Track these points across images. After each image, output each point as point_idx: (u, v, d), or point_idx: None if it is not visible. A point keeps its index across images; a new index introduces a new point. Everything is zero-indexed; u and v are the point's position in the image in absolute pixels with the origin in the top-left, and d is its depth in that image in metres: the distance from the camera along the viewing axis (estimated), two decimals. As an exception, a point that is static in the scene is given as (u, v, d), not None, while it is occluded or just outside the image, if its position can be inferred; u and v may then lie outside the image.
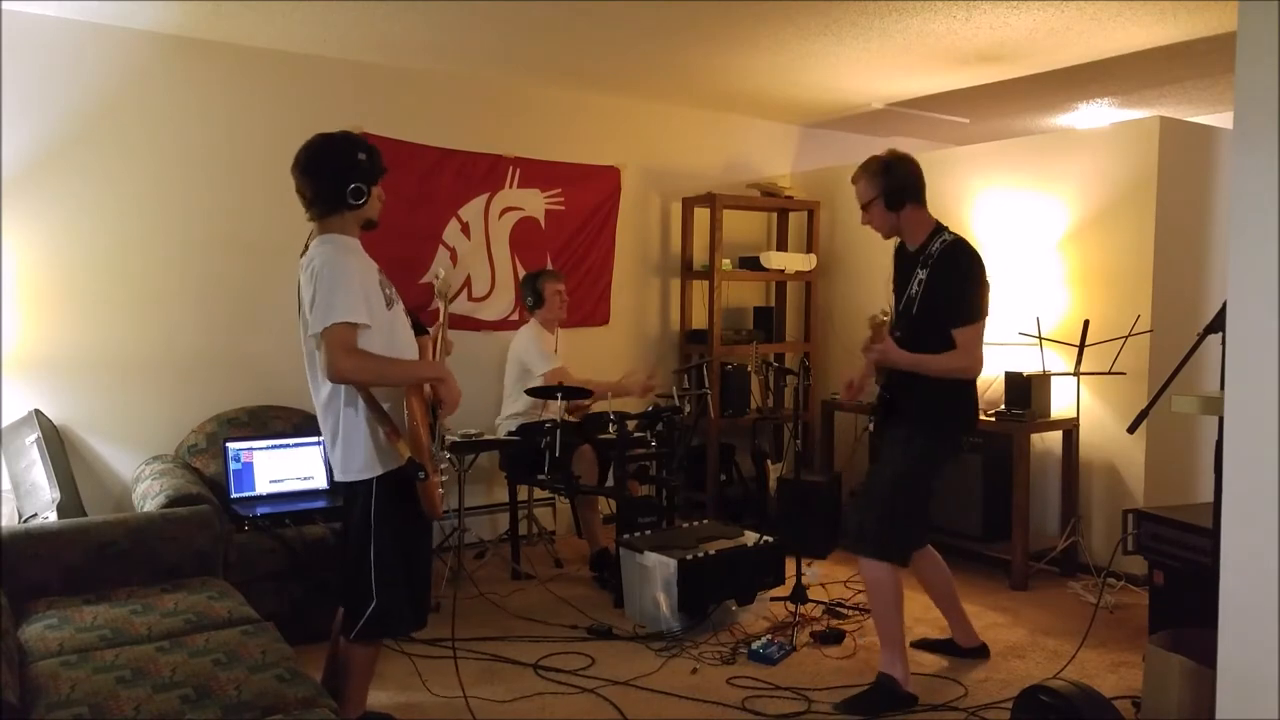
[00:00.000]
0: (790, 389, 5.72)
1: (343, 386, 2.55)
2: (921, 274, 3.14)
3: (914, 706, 3.11)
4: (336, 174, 2.57)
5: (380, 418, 2.55)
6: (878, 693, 3.13)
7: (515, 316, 5.15)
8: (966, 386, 3.18)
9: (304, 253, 2.64)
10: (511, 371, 4.69)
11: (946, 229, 3.21)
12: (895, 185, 3.14)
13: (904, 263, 3.26)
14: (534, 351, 4.61)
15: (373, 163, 2.62)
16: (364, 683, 2.79)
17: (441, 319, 2.88)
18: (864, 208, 3.23)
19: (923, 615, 3.95)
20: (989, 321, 3.21)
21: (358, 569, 2.60)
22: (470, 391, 4.85)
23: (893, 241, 3.34)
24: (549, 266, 5.23)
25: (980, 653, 3.55)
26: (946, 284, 3.10)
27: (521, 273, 5.13)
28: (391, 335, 2.61)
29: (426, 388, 2.65)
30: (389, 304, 2.64)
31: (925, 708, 3.12)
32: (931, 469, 3.20)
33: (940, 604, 3.58)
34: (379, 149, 2.68)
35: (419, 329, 2.83)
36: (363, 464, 2.59)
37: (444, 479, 2.66)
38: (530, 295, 4.73)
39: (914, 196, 3.17)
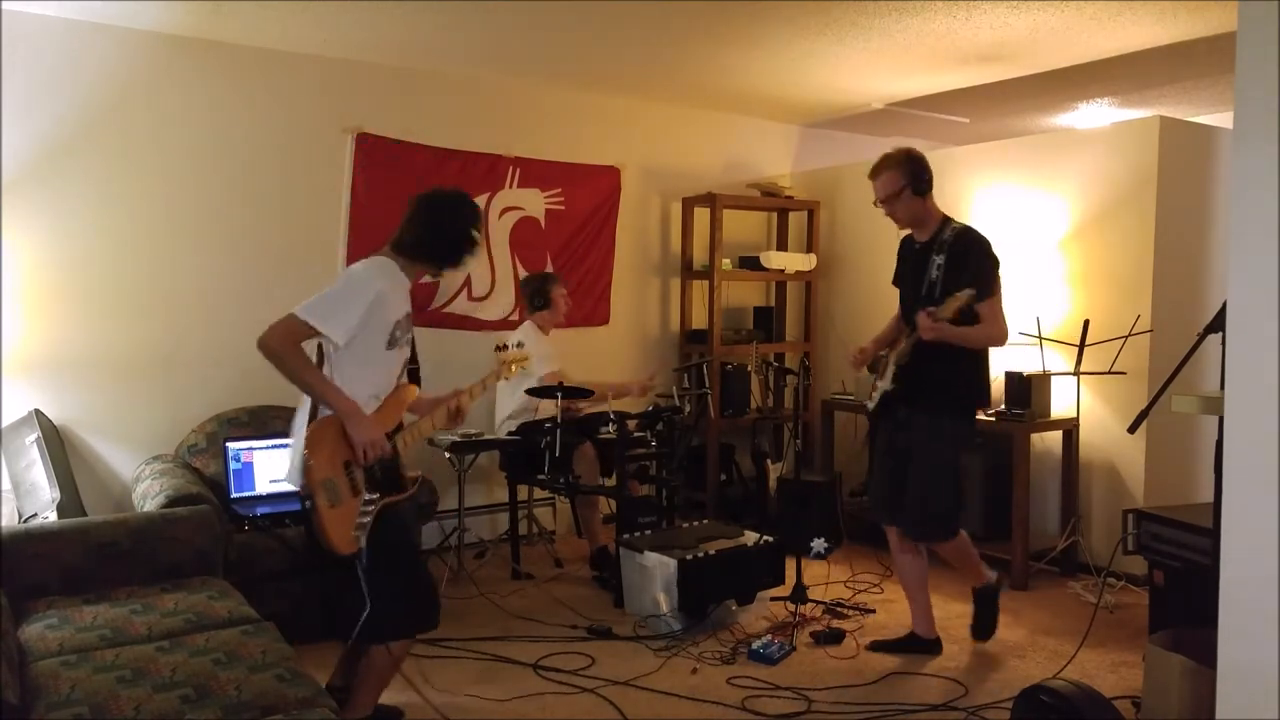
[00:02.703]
0: (790, 389, 5.72)
1: (315, 404, 2.58)
2: (939, 259, 3.32)
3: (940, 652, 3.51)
4: (450, 232, 2.70)
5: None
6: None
7: (515, 316, 5.15)
8: (980, 362, 3.40)
9: None
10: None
11: (953, 219, 3.41)
12: (919, 171, 3.33)
13: (913, 255, 3.43)
14: (540, 348, 4.61)
15: (476, 241, 2.74)
16: (378, 689, 2.78)
17: (484, 382, 2.97)
18: (888, 199, 3.37)
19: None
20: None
21: (350, 575, 2.60)
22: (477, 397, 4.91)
23: (895, 238, 3.39)
24: (549, 267, 5.24)
25: (934, 648, 3.59)
26: (965, 265, 3.26)
27: (522, 273, 5.13)
28: (372, 370, 2.63)
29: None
30: (391, 344, 2.66)
31: (925, 708, 3.12)
32: (963, 446, 3.50)
33: (909, 590, 3.64)
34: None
35: (413, 378, 2.88)
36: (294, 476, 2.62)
37: (363, 521, 2.55)
38: (538, 297, 4.70)
39: (931, 186, 3.37)
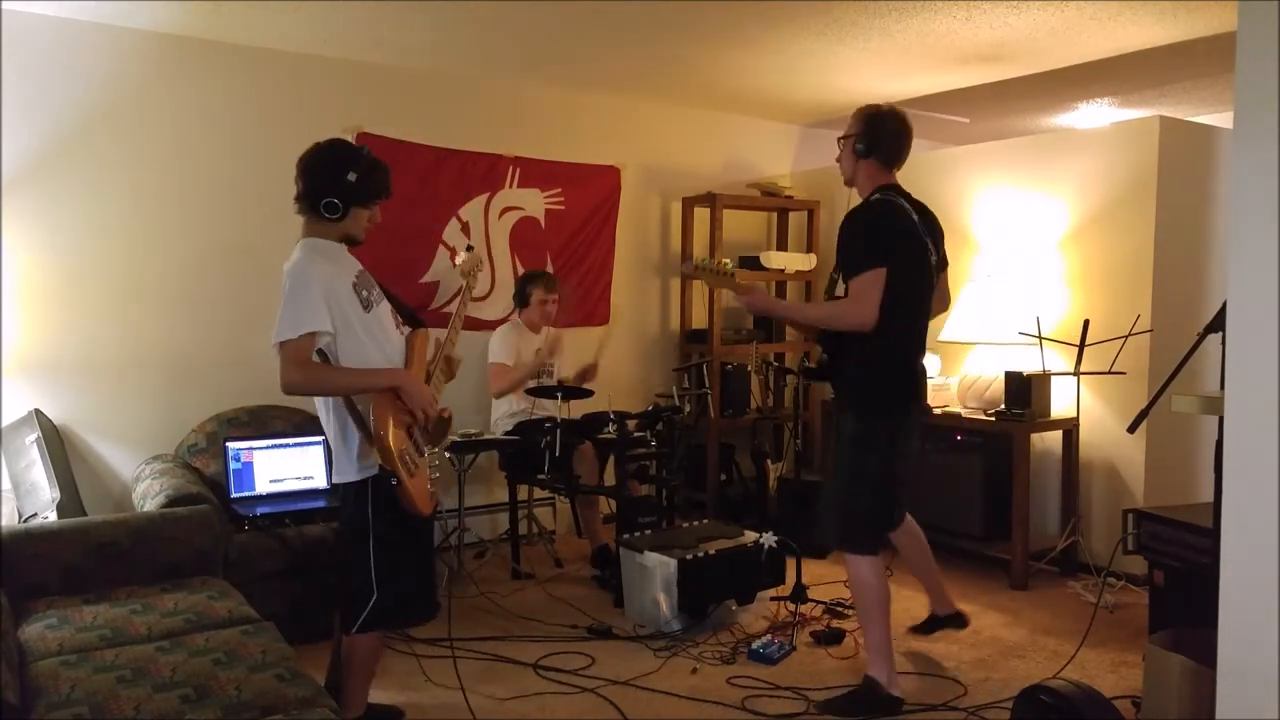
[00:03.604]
0: (790, 389, 5.72)
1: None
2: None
3: (899, 711, 3.07)
4: (321, 182, 2.59)
5: (359, 423, 2.57)
6: (860, 694, 3.12)
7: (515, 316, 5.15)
8: (891, 362, 3.08)
9: None
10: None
11: (887, 193, 3.12)
12: (870, 132, 3.12)
13: None
14: (495, 346, 4.69)
15: (366, 185, 2.61)
16: (365, 680, 2.79)
17: (454, 320, 2.90)
18: (840, 142, 3.23)
19: (914, 615, 3.95)
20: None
21: (358, 564, 2.61)
22: (470, 391, 4.93)
23: None
24: (549, 267, 5.24)
25: (957, 621, 3.60)
26: (845, 240, 3.07)
27: (521, 273, 5.14)
28: (371, 337, 2.62)
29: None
30: (367, 305, 2.63)
31: (925, 708, 3.11)
32: (873, 451, 3.09)
33: (916, 572, 3.63)
34: (383, 170, 2.67)
35: (414, 322, 2.83)
36: (355, 467, 2.61)
37: (435, 475, 2.67)
38: (517, 295, 4.81)
39: (881, 154, 3.13)
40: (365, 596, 2.60)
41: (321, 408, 2.67)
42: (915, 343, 3.16)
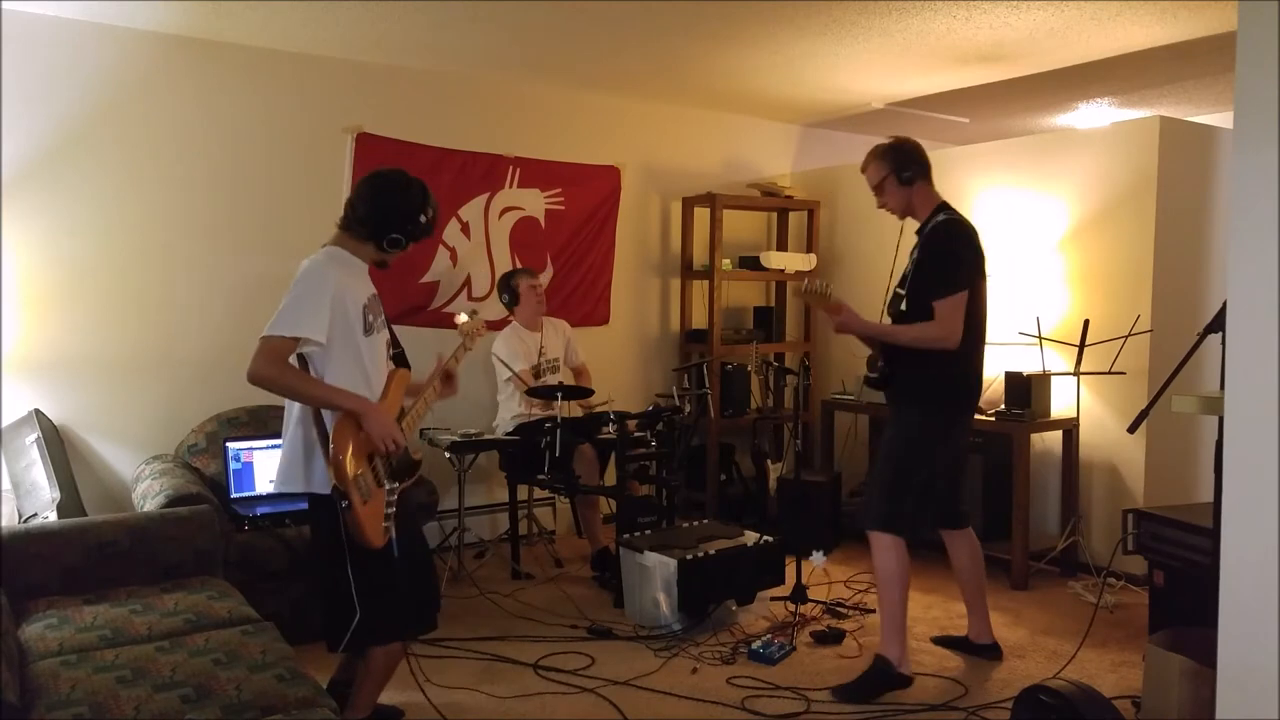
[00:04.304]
0: (790, 389, 5.72)
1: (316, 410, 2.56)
2: (915, 251, 3.28)
3: (909, 687, 3.16)
4: (394, 217, 2.62)
5: (322, 439, 2.53)
6: (872, 675, 3.18)
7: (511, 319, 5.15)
8: (956, 361, 3.19)
9: None
10: (500, 373, 4.71)
11: (947, 208, 3.29)
12: (904, 160, 3.28)
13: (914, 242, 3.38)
14: (505, 352, 4.67)
15: (427, 227, 2.68)
16: (379, 687, 2.77)
17: (457, 358, 2.91)
18: (877, 190, 3.34)
19: (921, 615, 3.95)
20: (995, 310, 3.29)
21: (335, 581, 2.55)
22: (470, 392, 4.93)
23: (895, 237, 3.39)
24: (549, 267, 5.24)
25: (991, 652, 3.53)
26: (929, 259, 3.20)
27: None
28: (360, 360, 2.60)
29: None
30: (368, 330, 2.63)
31: (925, 707, 3.12)
32: (927, 443, 3.23)
33: (964, 592, 3.57)
34: (439, 210, 2.74)
35: (401, 361, 2.83)
36: (304, 480, 2.58)
37: (389, 510, 2.58)
38: (504, 294, 4.77)
39: (922, 173, 3.29)
40: (348, 615, 2.54)
41: (289, 412, 2.63)
42: (980, 346, 3.30)
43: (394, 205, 2.62)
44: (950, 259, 3.18)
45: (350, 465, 2.47)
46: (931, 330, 3.13)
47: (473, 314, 3.04)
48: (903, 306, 3.24)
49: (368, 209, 2.61)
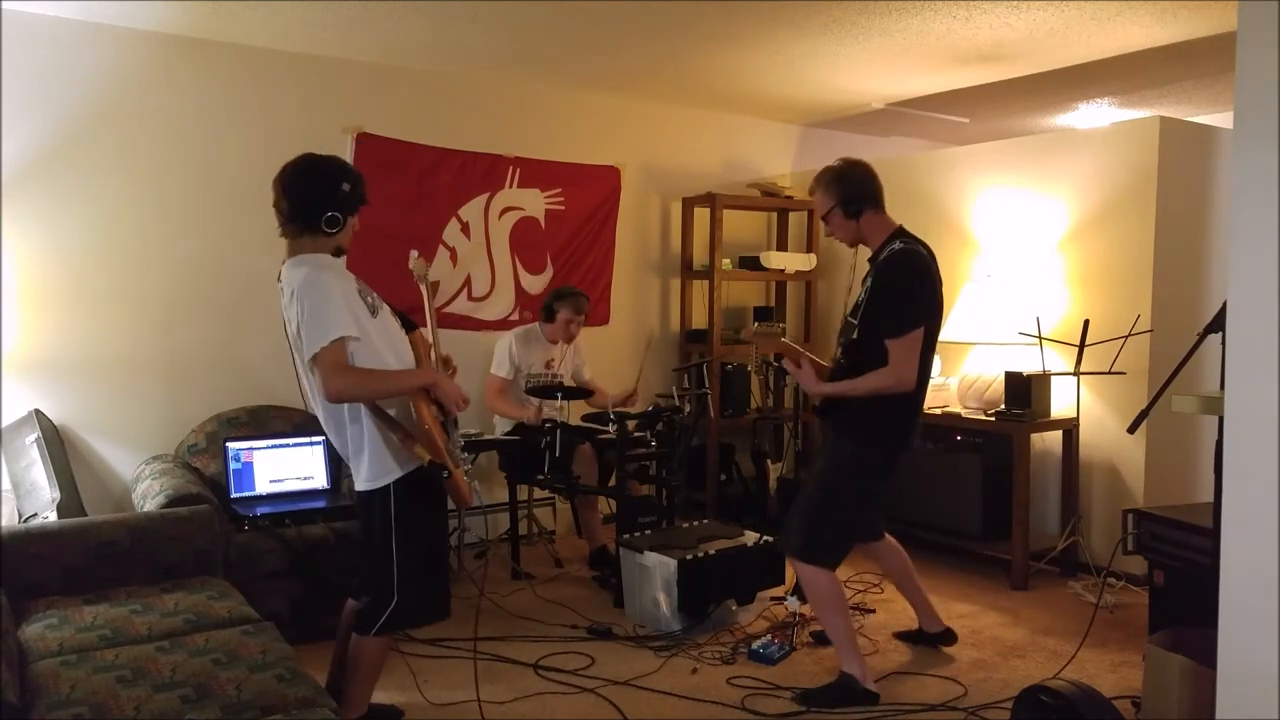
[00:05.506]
0: (790, 389, 5.72)
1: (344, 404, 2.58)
2: (868, 281, 3.14)
3: (877, 703, 3.11)
4: (317, 199, 2.58)
5: (390, 425, 2.57)
6: (838, 687, 3.15)
7: (515, 317, 5.15)
8: (899, 399, 3.05)
9: (279, 278, 2.62)
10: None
11: (904, 235, 3.14)
12: (851, 192, 3.12)
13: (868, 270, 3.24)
14: (497, 355, 4.69)
15: (355, 193, 2.62)
16: (371, 681, 2.80)
17: (428, 317, 2.87)
18: (824, 219, 3.23)
19: (909, 613, 3.95)
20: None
21: (382, 569, 2.63)
22: (471, 392, 4.91)
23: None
24: (549, 267, 5.24)
25: (946, 638, 3.59)
26: (881, 293, 3.06)
27: (523, 273, 5.16)
28: (381, 341, 2.62)
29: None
30: (373, 312, 2.65)
31: (925, 707, 3.12)
32: (858, 478, 3.15)
33: (902, 590, 3.64)
34: (363, 178, 2.68)
35: (409, 325, 2.84)
36: (379, 472, 2.61)
37: (468, 468, 2.73)
38: (545, 307, 4.75)
39: (871, 203, 3.13)
40: (386, 600, 2.63)
41: (333, 419, 2.63)
42: (925, 384, 3.15)
43: (308, 188, 2.58)
44: (902, 295, 3.03)
45: (438, 435, 2.54)
46: (886, 379, 2.99)
47: (415, 255, 2.95)
48: (854, 335, 3.11)
49: (290, 204, 2.58)
